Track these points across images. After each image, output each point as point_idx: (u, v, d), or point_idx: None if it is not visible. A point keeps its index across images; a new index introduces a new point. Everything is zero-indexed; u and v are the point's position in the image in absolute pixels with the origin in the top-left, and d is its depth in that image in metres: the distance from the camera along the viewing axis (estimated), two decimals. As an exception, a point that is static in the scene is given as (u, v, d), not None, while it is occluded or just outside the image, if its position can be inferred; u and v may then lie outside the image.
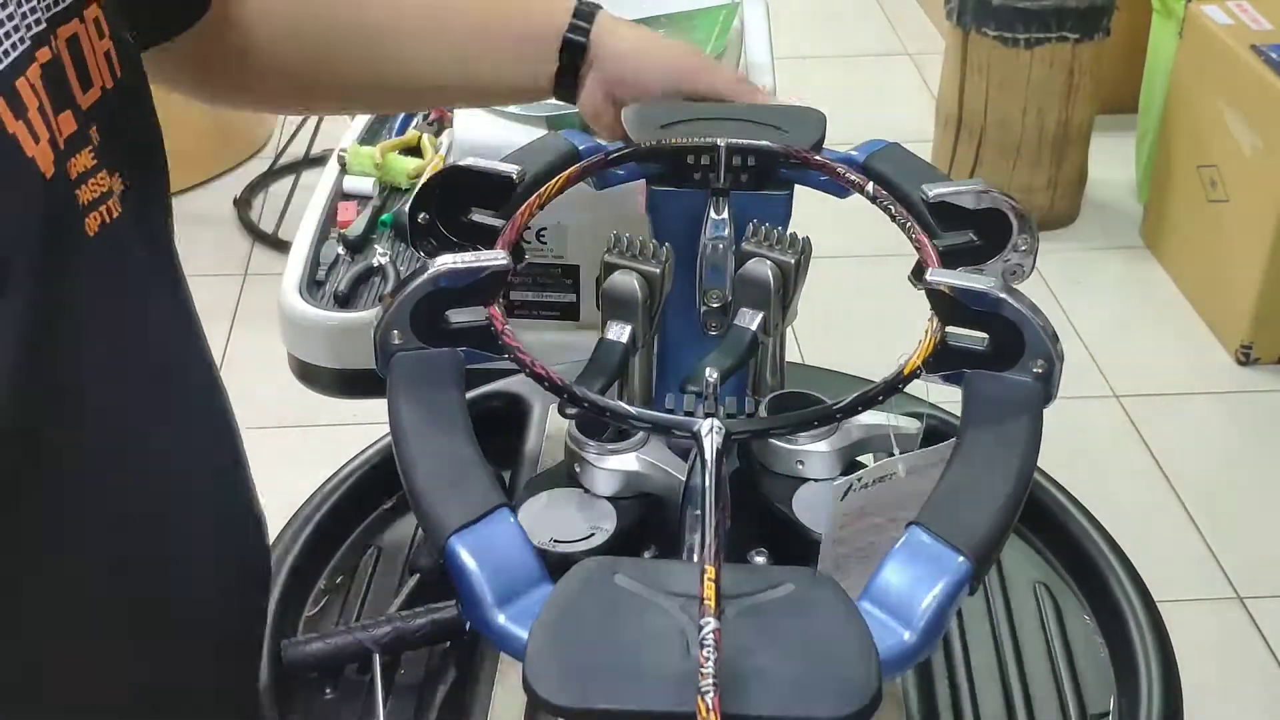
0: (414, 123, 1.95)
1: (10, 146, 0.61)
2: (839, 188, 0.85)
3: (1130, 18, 3.08)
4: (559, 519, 0.84)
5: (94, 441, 0.71)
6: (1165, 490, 2.41)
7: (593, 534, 0.83)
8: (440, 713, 0.88)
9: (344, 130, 1.96)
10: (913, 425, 0.87)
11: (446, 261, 0.71)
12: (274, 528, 1.01)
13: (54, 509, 0.69)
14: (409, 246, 1.70)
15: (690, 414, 0.70)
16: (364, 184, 1.79)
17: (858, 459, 0.88)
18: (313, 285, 1.62)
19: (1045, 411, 0.69)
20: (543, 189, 0.80)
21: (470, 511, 0.62)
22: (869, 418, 0.86)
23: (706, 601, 0.55)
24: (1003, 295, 0.68)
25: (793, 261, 0.82)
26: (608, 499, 0.85)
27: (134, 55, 0.77)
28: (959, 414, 0.70)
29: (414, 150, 1.86)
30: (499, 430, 1.09)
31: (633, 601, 0.58)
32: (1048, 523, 1.01)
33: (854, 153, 0.86)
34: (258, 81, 0.96)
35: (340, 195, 1.78)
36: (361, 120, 1.96)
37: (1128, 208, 3.19)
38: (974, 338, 0.70)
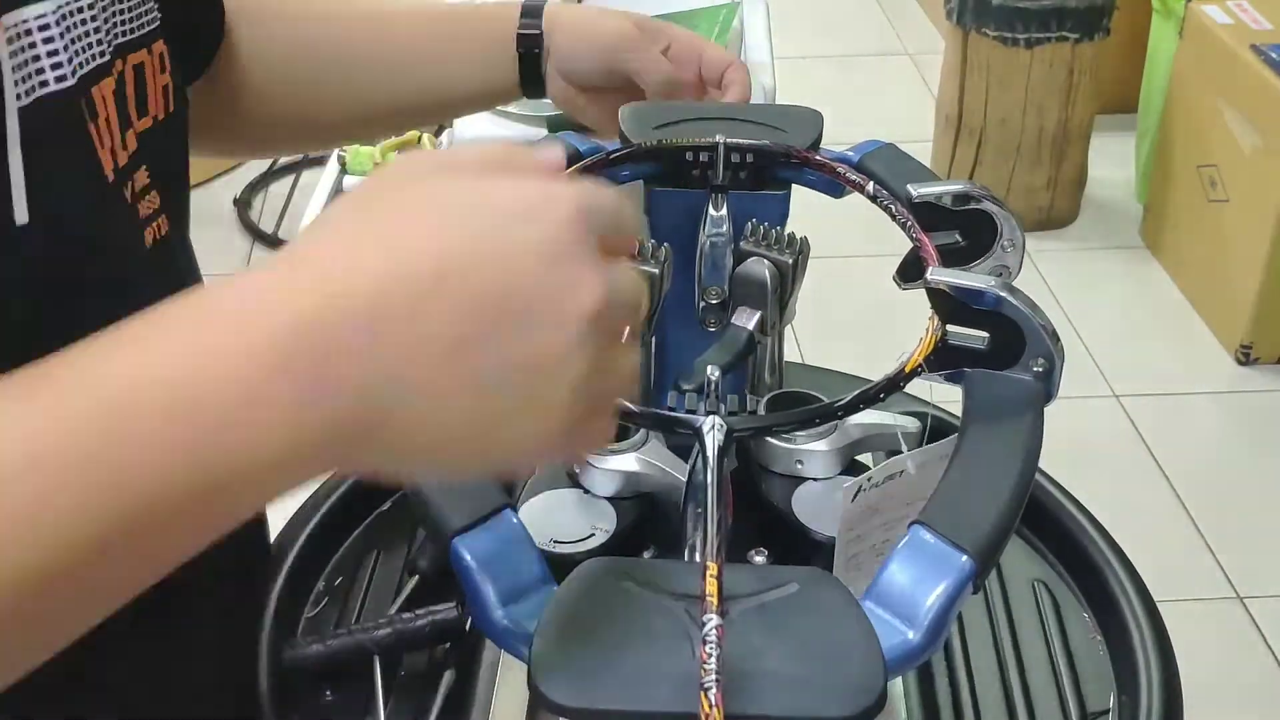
0: (414, 122, 1.96)
1: (87, 142, 0.66)
2: (834, 187, 0.85)
3: (1130, 17, 3.08)
4: (558, 519, 0.84)
5: None
6: (1165, 490, 2.42)
7: (592, 534, 0.83)
8: (441, 714, 0.88)
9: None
10: (912, 423, 0.87)
11: None
12: (274, 528, 1.01)
13: None
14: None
15: (692, 412, 0.70)
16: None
17: (856, 458, 0.88)
18: (312, 285, 1.62)
19: (1045, 411, 0.70)
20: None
21: (473, 512, 0.62)
22: (866, 417, 0.86)
23: (709, 598, 0.55)
24: (1003, 294, 0.69)
25: (790, 261, 0.82)
26: (607, 499, 0.85)
27: (184, 93, 0.82)
28: (957, 412, 0.70)
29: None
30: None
31: (638, 602, 0.58)
32: (1046, 521, 1.01)
33: (849, 153, 0.86)
34: (251, 128, 0.98)
35: (340, 195, 1.78)
36: (361, 120, 1.96)
37: (1128, 208, 3.19)
38: (974, 336, 0.70)
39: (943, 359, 0.70)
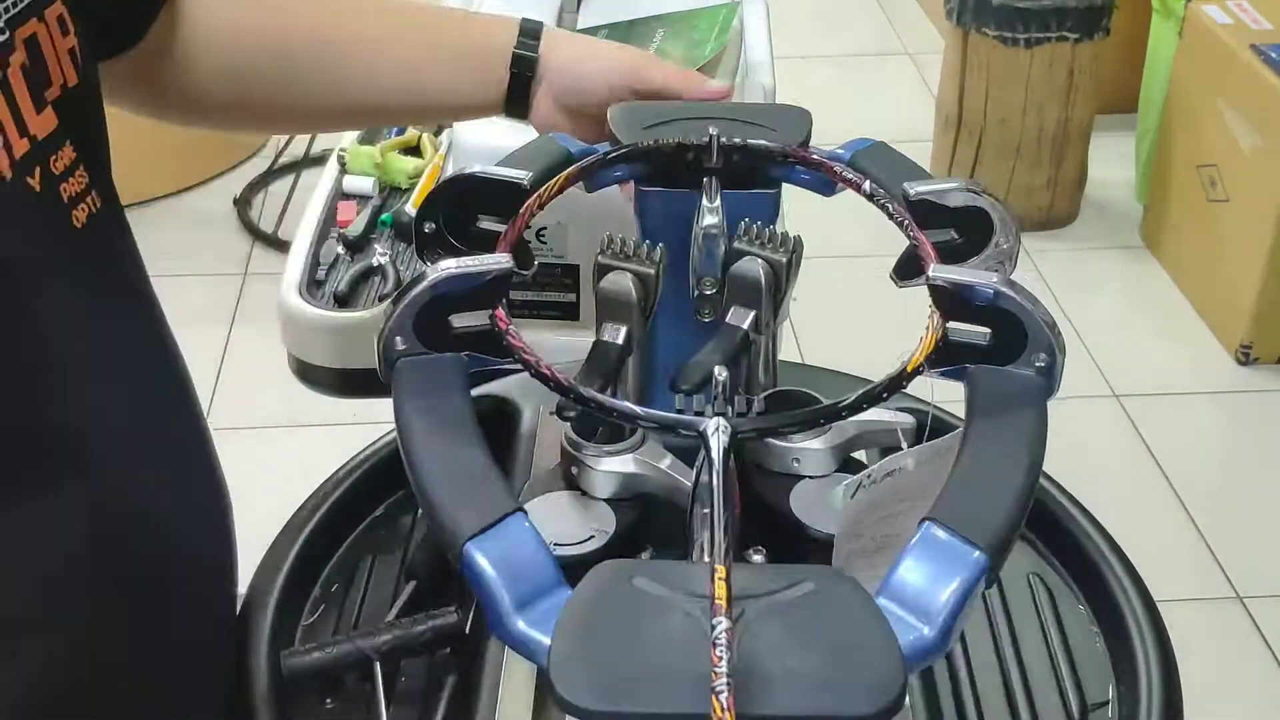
0: (414, 122, 1.96)
1: None
2: (825, 185, 0.85)
3: (1130, 17, 3.08)
4: (557, 522, 0.84)
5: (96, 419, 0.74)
6: (1165, 490, 2.41)
7: (592, 536, 0.83)
8: (444, 718, 0.87)
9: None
10: (908, 420, 0.87)
11: (449, 266, 0.71)
12: (273, 527, 1.01)
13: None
14: (409, 246, 1.70)
15: (699, 413, 0.70)
16: (364, 184, 1.79)
17: (852, 455, 0.88)
18: (312, 285, 1.62)
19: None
20: (542, 190, 0.80)
21: (485, 517, 0.62)
22: (862, 414, 0.86)
23: (718, 601, 0.55)
24: (1004, 290, 0.69)
25: (784, 260, 0.82)
26: (605, 501, 0.85)
27: (94, 55, 0.79)
28: (953, 410, 0.70)
29: (414, 150, 1.86)
30: (489, 435, 1.08)
31: (653, 604, 0.58)
32: (1042, 516, 1.01)
33: (840, 150, 0.86)
34: (205, 107, 0.95)
35: (340, 195, 1.78)
36: (361, 120, 1.96)
37: (1127, 207, 3.19)
38: (976, 333, 0.70)
39: (944, 356, 0.70)
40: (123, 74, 0.86)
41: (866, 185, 0.81)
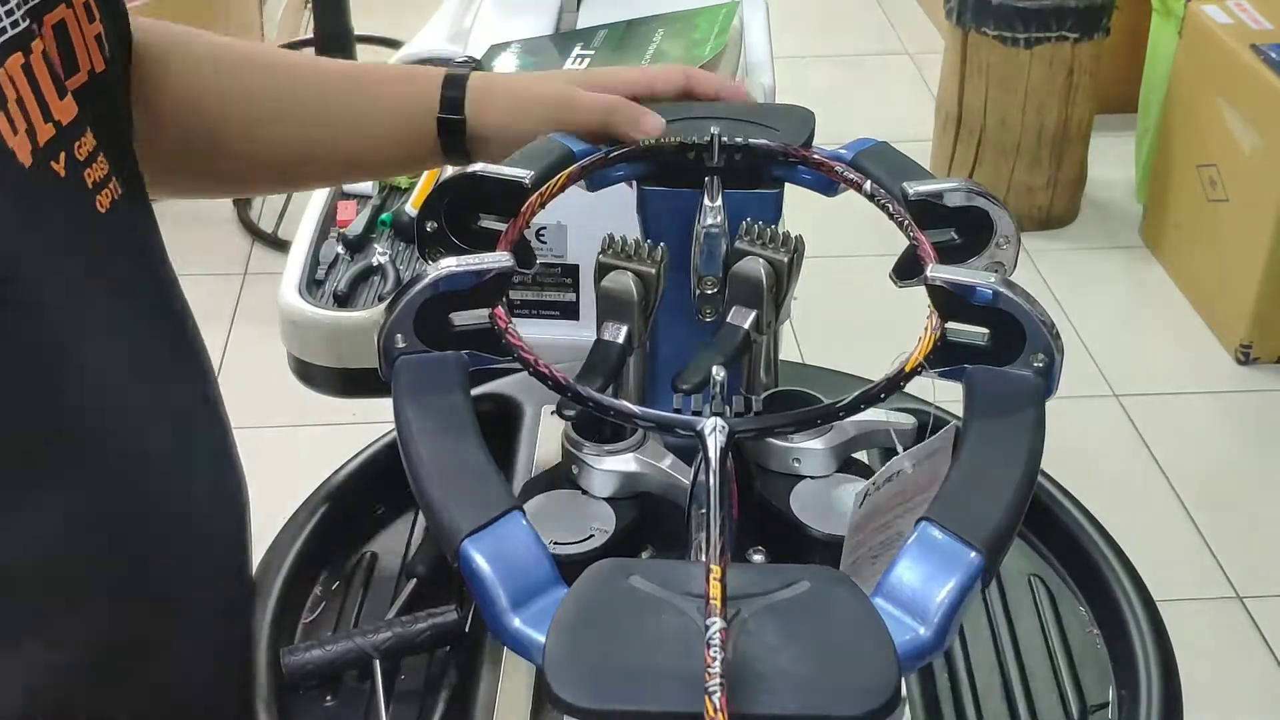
0: (413, 122, 1.95)
1: None
2: (827, 185, 0.85)
3: (1130, 17, 3.08)
4: (557, 521, 0.84)
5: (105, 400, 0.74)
6: (1165, 490, 2.41)
7: (591, 535, 0.83)
8: (443, 717, 0.87)
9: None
10: (908, 420, 0.87)
11: (449, 264, 0.71)
12: (273, 527, 1.01)
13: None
14: (409, 246, 1.70)
15: (698, 413, 0.70)
16: (363, 183, 1.79)
17: (853, 455, 0.88)
18: (312, 285, 1.62)
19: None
20: (544, 188, 0.80)
21: (482, 515, 0.62)
22: (862, 414, 0.86)
23: (713, 600, 0.55)
24: (1003, 290, 0.69)
25: (785, 260, 0.82)
26: (606, 500, 0.85)
27: (124, 33, 0.78)
28: (954, 410, 0.70)
29: (413, 150, 1.86)
30: (490, 434, 1.08)
31: (649, 603, 0.58)
32: (1041, 516, 1.01)
33: (843, 151, 0.86)
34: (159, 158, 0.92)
35: (339, 194, 1.78)
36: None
37: (1127, 207, 3.19)
38: (974, 333, 0.70)
39: (943, 356, 0.70)
40: None
41: (867, 185, 0.81)
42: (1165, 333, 2.82)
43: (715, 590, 0.55)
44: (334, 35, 3.04)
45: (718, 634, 0.53)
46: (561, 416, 0.88)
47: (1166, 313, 2.88)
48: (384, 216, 1.75)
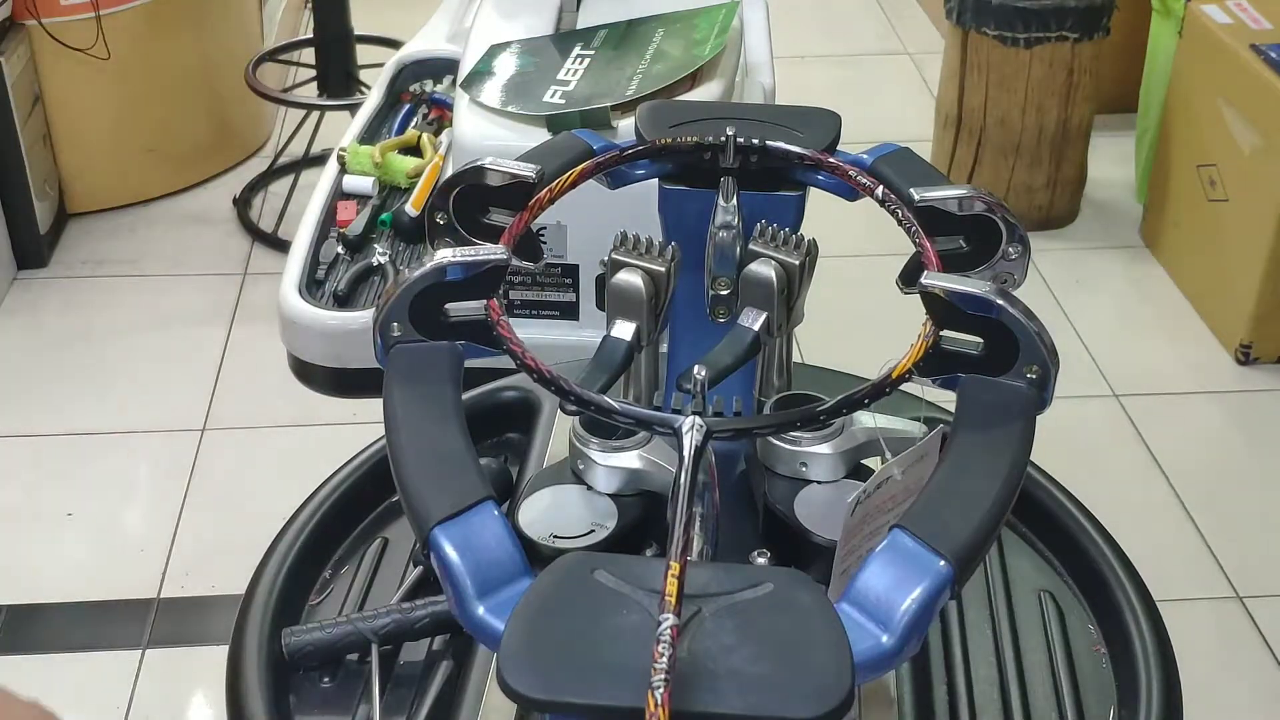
0: (413, 122, 1.96)
1: None
2: (848, 190, 0.85)
3: (1130, 17, 3.07)
4: (561, 515, 0.84)
5: None
6: (1165, 490, 2.41)
7: (593, 530, 0.83)
8: (435, 703, 0.88)
9: (343, 130, 1.96)
10: (917, 429, 0.87)
11: (445, 255, 0.72)
12: (272, 527, 1.01)
13: None
14: (409, 246, 1.70)
15: (678, 411, 0.70)
16: (363, 183, 1.79)
17: (862, 461, 0.88)
18: (312, 285, 1.62)
19: (1043, 413, 0.69)
20: (554, 184, 0.80)
21: (455, 504, 0.62)
22: (871, 420, 0.86)
23: (667, 597, 0.55)
24: (997, 299, 0.68)
25: (797, 263, 0.82)
26: (610, 496, 0.85)
27: None
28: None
29: (413, 149, 1.86)
30: (510, 425, 1.09)
31: (610, 598, 0.58)
32: (1053, 528, 1.01)
33: (864, 155, 0.86)
34: None
35: (339, 194, 1.78)
36: (361, 119, 1.96)
37: (1127, 207, 3.19)
38: (969, 342, 0.70)
39: (937, 364, 0.70)
40: None
41: (879, 191, 0.81)
42: (1165, 333, 2.82)
43: (671, 587, 0.55)
44: (334, 35, 3.04)
45: (668, 630, 0.53)
46: (566, 412, 0.89)
47: (1166, 313, 2.88)
48: (384, 216, 1.75)
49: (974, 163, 3.10)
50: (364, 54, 3.10)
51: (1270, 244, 2.59)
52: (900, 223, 0.79)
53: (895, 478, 0.78)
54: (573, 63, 1.63)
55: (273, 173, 3.16)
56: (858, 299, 2.39)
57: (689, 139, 0.84)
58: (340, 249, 1.67)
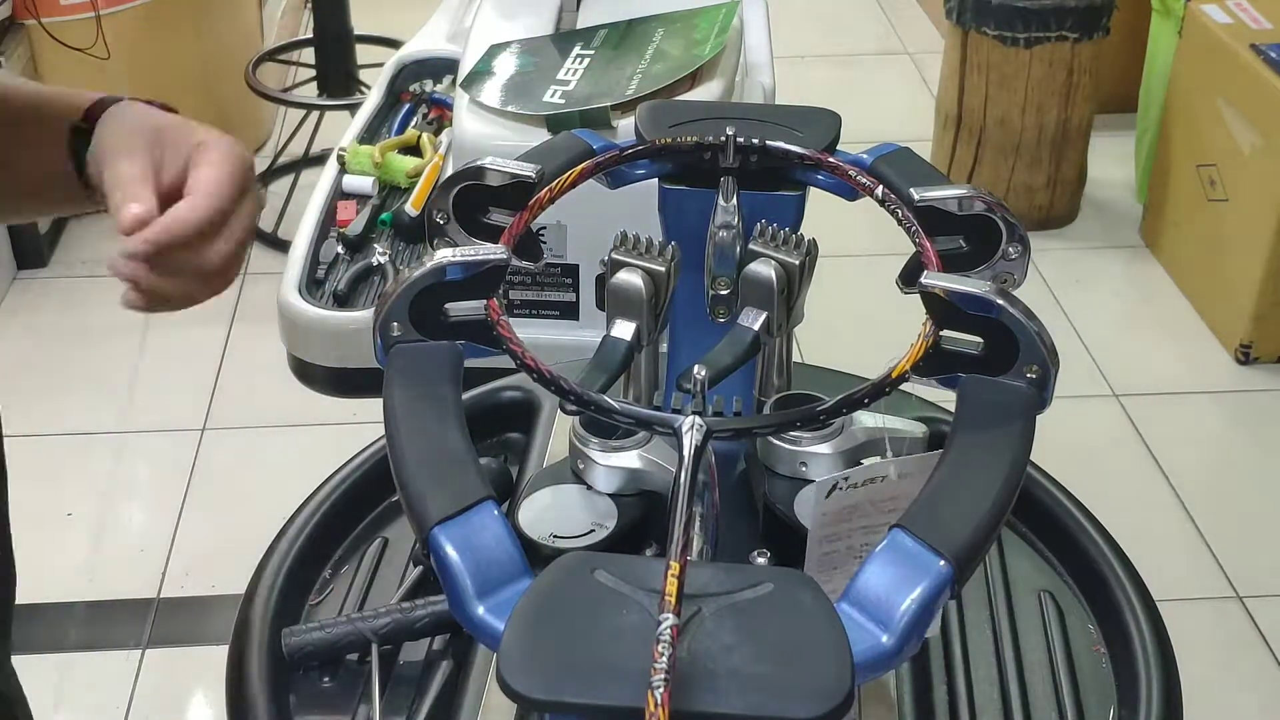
0: (413, 122, 1.96)
1: None
2: (848, 190, 0.85)
3: (1130, 17, 3.07)
4: (561, 515, 0.84)
5: None
6: (1165, 489, 2.41)
7: (593, 530, 0.83)
8: (435, 703, 0.88)
9: (343, 129, 1.96)
10: (918, 429, 0.87)
11: (445, 254, 0.72)
12: (272, 526, 1.01)
13: None
14: (409, 246, 1.70)
15: (678, 411, 0.70)
16: (363, 183, 1.79)
17: (863, 461, 0.88)
18: (312, 284, 1.62)
19: (1042, 413, 0.69)
20: (554, 184, 0.80)
21: (455, 503, 0.62)
22: (872, 420, 0.86)
23: (667, 597, 0.55)
24: (996, 299, 0.68)
25: (797, 263, 0.82)
26: (610, 496, 0.85)
27: None
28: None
29: (413, 149, 1.86)
30: (513, 425, 1.09)
31: (610, 597, 0.58)
32: (1053, 529, 1.01)
33: (864, 155, 0.86)
34: None
35: (339, 194, 1.78)
36: (361, 119, 1.96)
37: (1127, 207, 3.19)
38: (969, 341, 0.70)
39: (937, 364, 0.70)
40: None
41: (879, 191, 0.81)
42: (1165, 333, 2.82)
43: (671, 587, 0.55)
44: (334, 35, 3.04)
45: (668, 630, 0.53)
46: (566, 412, 0.89)
47: (1166, 312, 2.88)
48: (384, 216, 1.75)
49: (974, 163, 3.10)
50: (364, 54, 3.10)
51: (1270, 244, 2.59)
52: (900, 222, 0.79)
53: (890, 477, 0.78)
54: (573, 62, 1.63)
55: (272, 172, 3.16)
56: (858, 299, 2.39)
57: (689, 139, 0.84)
58: (340, 249, 1.67)
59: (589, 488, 0.86)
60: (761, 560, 0.83)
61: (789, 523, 0.84)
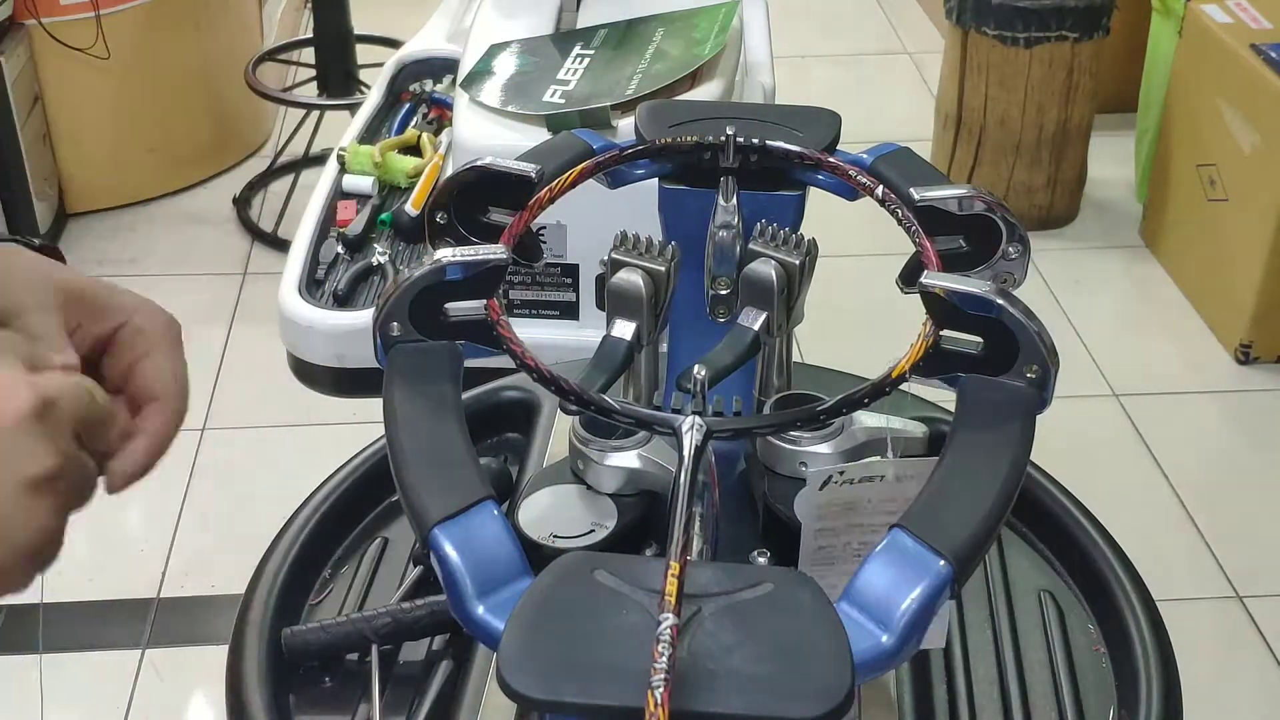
0: (413, 121, 1.96)
1: None
2: (848, 189, 0.85)
3: (1130, 17, 3.08)
4: (561, 514, 0.84)
5: None
6: (1164, 489, 2.41)
7: (593, 530, 0.83)
8: (435, 702, 0.88)
9: (343, 129, 1.96)
10: (918, 429, 0.87)
11: (445, 254, 0.72)
12: (273, 526, 1.01)
13: None
14: (409, 246, 1.70)
15: (678, 411, 0.70)
16: (363, 183, 1.79)
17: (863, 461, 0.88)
18: (312, 284, 1.62)
19: (1043, 412, 0.69)
20: (554, 184, 0.80)
21: (455, 503, 0.62)
22: (873, 420, 0.86)
23: (667, 597, 0.55)
24: (996, 299, 0.68)
25: (797, 262, 0.82)
26: (610, 496, 0.85)
27: None
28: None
29: (413, 149, 1.86)
30: (513, 425, 1.09)
31: (610, 598, 0.58)
32: (1053, 529, 1.01)
33: (864, 155, 0.86)
34: None
35: (339, 194, 1.78)
36: (361, 119, 1.96)
37: (1127, 207, 3.19)
38: (969, 341, 0.70)
39: (937, 363, 0.70)
40: None
41: (879, 190, 0.81)
42: (1165, 332, 2.82)
43: (671, 586, 0.55)
44: (334, 35, 3.04)
45: (668, 630, 0.53)
46: (566, 412, 0.89)
47: (1166, 312, 2.88)
48: (384, 216, 1.75)
49: (974, 162, 3.10)
50: (364, 54, 3.10)
51: (1270, 244, 2.59)
52: (900, 222, 0.79)
53: (888, 478, 0.78)
54: (573, 62, 1.63)
55: (273, 172, 3.16)
56: (858, 299, 2.39)
57: (689, 139, 0.84)
58: (340, 249, 1.67)
59: (589, 488, 0.86)
60: (761, 560, 0.83)
61: (789, 523, 0.84)
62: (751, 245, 0.83)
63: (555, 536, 0.82)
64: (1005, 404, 0.69)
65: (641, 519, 0.84)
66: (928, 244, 0.76)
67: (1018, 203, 3.05)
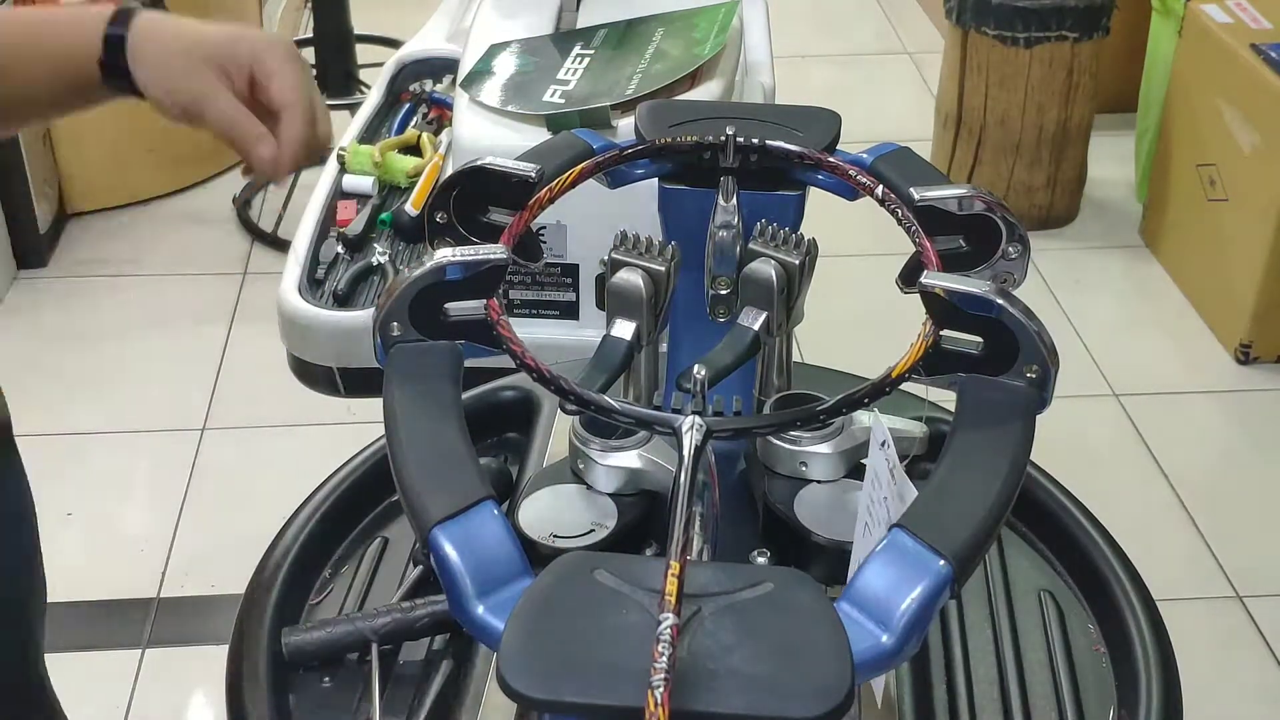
0: (413, 121, 1.96)
1: None
2: (848, 189, 0.85)
3: (1130, 17, 3.08)
4: (561, 514, 0.84)
5: None
6: (1164, 489, 2.41)
7: (593, 530, 0.83)
8: (435, 702, 0.88)
9: (343, 129, 1.96)
10: (917, 428, 0.87)
11: (445, 254, 0.72)
12: (272, 526, 1.01)
13: None
14: (408, 246, 1.70)
15: (678, 411, 0.70)
16: (363, 183, 1.79)
17: (862, 461, 0.88)
18: (312, 284, 1.62)
19: (1043, 412, 0.69)
20: (553, 183, 0.80)
21: (455, 503, 0.62)
22: (873, 420, 0.86)
23: (667, 597, 0.55)
24: (996, 299, 0.68)
25: (797, 262, 0.82)
26: (610, 495, 0.85)
27: None
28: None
29: (413, 149, 1.86)
30: (513, 425, 1.09)
31: (610, 597, 0.58)
32: (1053, 529, 1.01)
33: (864, 155, 0.86)
34: None
35: (339, 194, 1.78)
36: (361, 119, 1.96)
37: (1127, 207, 3.19)
38: (969, 341, 0.70)
39: (937, 363, 0.70)
40: None
41: (880, 190, 0.81)
42: (1165, 332, 2.82)
43: (671, 586, 0.56)
44: (334, 35, 3.04)
45: (668, 630, 0.53)
46: (566, 412, 0.89)
47: (1166, 312, 2.88)
48: (384, 216, 1.75)
49: (974, 162, 3.10)
50: (364, 54, 3.10)
51: (1270, 244, 2.59)
52: (900, 222, 0.79)
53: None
54: (573, 62, 1.63)
55: (272, 172, 3.16)
56: (858, 299, 2.39)
57: (689, 138, 0.84)
58: (340, 249, 1.67)
59: (589, 487, 0.86)
60: (761, 560, 0.83)
61: (789, 523, 0.84)
62: (751, 245, 0.83)
63: (555, 536, 0.82)
64: (1005, 404, 0.69)
65: (641, 519, 0.84)
66: (928, 244, 0.76)
67: (1018, 202, 3.05)
